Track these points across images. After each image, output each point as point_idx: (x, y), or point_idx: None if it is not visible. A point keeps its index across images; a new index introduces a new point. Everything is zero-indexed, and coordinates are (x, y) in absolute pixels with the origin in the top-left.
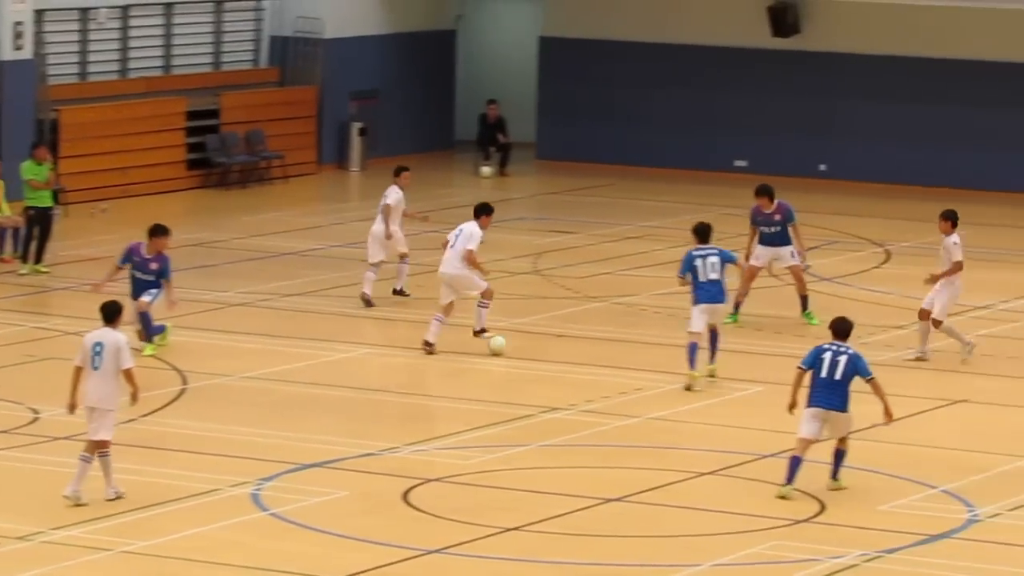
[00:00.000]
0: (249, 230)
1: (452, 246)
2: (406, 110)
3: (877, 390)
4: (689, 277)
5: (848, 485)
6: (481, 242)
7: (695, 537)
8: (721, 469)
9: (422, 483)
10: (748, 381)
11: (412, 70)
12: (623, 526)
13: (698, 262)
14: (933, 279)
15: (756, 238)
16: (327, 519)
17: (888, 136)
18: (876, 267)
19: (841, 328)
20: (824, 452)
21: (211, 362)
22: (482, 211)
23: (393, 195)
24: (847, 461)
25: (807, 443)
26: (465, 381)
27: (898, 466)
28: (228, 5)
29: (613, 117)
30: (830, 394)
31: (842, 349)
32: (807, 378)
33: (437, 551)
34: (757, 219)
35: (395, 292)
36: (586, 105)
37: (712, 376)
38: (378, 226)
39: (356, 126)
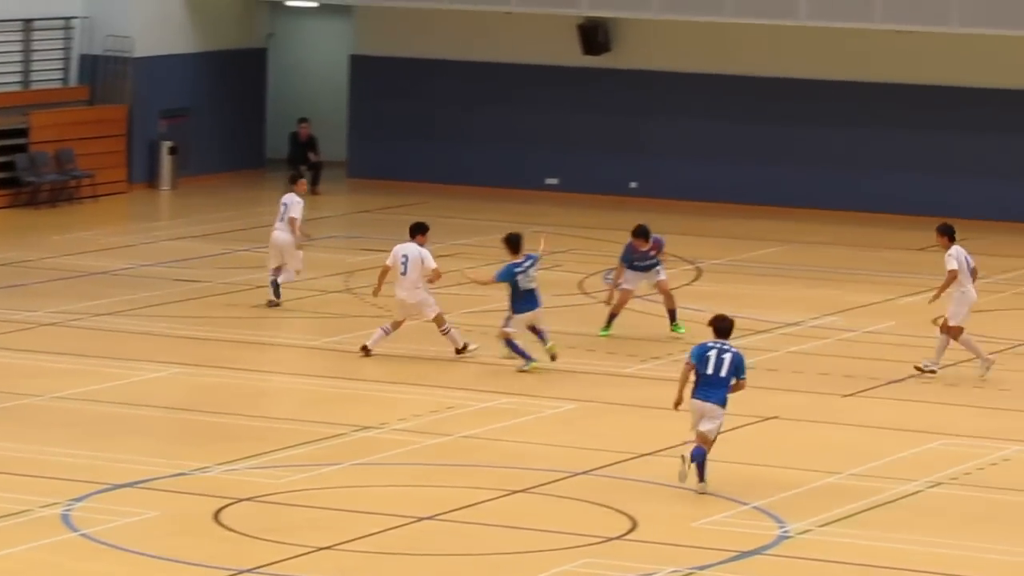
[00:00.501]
0: (59, 249)
1: (404, 273)
2: (217, 129)
3: (741, 389)
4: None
5: (709, 484)
6: None
7: (507, 555)
8: (534, 487)
9: (234, 503)
10: (560, 399)
11: (223, 88)
12: (436, 545)
13: (520, 277)
14: (936, 296)
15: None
16: (138, 539)
17: (699, 154)
18: (687, 284)
19: (722, 327)
20: (644, 469)
21: (21, 382)
22: (418, 230)
23: (296, 205)
24: (658, 477)
25: (705, 435)
26: (276, 400)
27: (710, 483)
28: (37, 24)
29: (425, 135)
30: (713, 390)
31: (726, 347)
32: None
33: (249, 571)
34: (632, 258)
35: (273, 297)
36: (398, 123)
37: (553, 357)
38: (284, 235)
39: (166, 145)
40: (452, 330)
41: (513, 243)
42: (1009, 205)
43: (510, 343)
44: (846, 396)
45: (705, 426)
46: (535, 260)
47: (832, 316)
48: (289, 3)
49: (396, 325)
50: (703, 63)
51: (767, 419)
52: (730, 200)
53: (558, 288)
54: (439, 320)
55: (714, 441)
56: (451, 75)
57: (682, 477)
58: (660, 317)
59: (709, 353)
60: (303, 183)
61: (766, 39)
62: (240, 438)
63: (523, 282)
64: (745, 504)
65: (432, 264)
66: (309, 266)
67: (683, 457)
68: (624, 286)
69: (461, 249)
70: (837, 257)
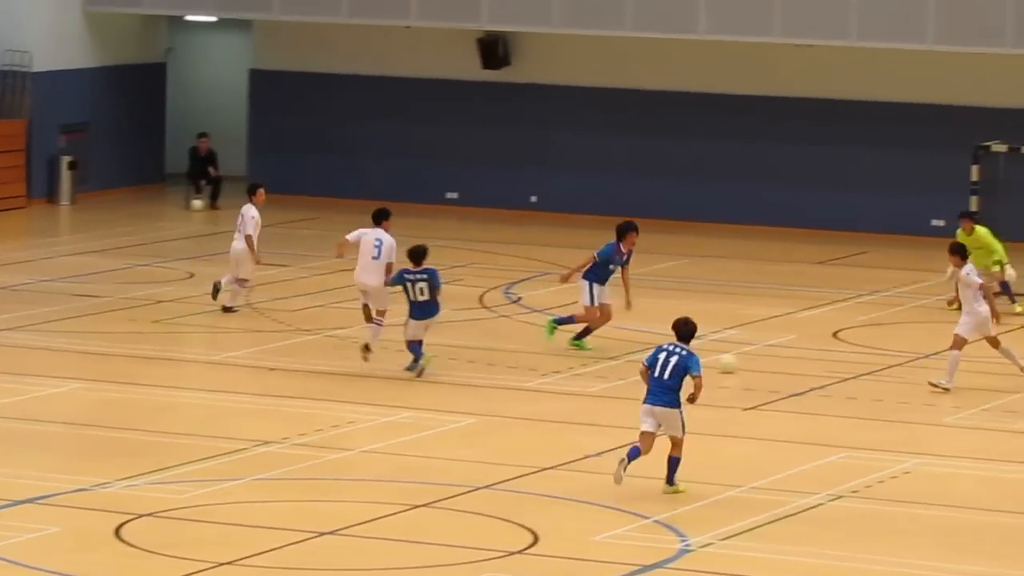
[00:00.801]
0: None
1: (376, 257)
2: (116, 143)
3: (697, 388)
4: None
5: (685, 489)
6: None
7: (408, 570)
8: (435, 501)
9: (135, 518)
10: (461, 413)
11: (122, 103)
12: (337, 559)
13: (408, 285)
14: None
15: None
16: (39, 556)
17: (600, 168)
18: None
19: (682, 330)
20: (546, 484)
21: None
22: (383, 216)
23: (252, 220)
24: (560, 491)
25: (649, 437)
26: (177, 415)
27: (612, 497)
28: None
29: (325, 150)
30: (660, 392)
31: (677, 350)
32: None
33: None
34: (615, 259)
35: (226, 304)
36: (297, 138)
37: (420, 372)
38: (240, 245)
39: (66, 160)
40: (380, 330)
41: (414, 255)
42: (907, 218)
43: (411, 345)
44: (747, 410)
45: (649, 427)
46: (433, 275)
47: (732, 330)
48: (188, 18)
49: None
50: (604, 77)
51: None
52: (630, 214)
53: (458, 302)
54: (383, 313)
55: (681, 441)
56: (351, 89)
57: (617, 479)
58: (560, 331)
59: (659, 356)
60: (262, 194)
61: (666, 53)
62: (141, 453)
63: (412, 292)
64: (647, 518)
65: (392, 259)
66: (208, 281)
67: (621, 460)
68: (605, 301)
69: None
70: (737, 271)
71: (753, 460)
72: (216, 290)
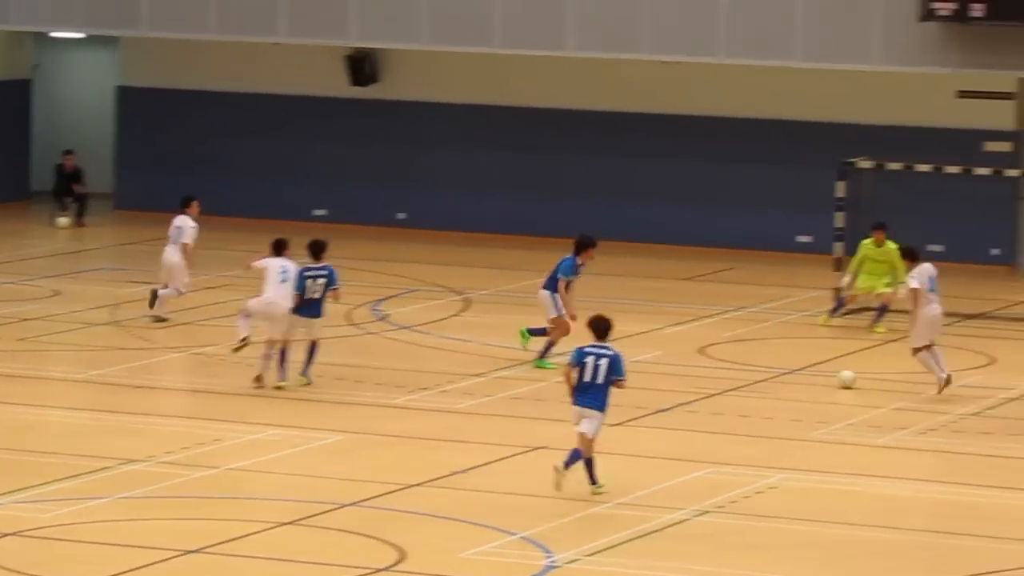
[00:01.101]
0: None
1: (284, 281)
2: None
3: (619, 388)
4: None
5: (605, 486)
6: None
7: None
8: (301, 519)
9: None
10: (328, 430)
11: None
12: None
13: (308, 281)
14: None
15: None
16: None
17: (467, 185)
18: (455, 315)
19: (599, 328)
20: (413, 501)
21: None
22: (284, 245)
23: (191, 230)
24: (427, 508)
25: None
26: (41, 433)
27: (478, 513)
28: None
29: (193, 167)
30: (590, 395)
31: (603, 352)
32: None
33: None
34: (578, 271)
35: (157, 314)
36: (165, 155)
37: (307, 384)
38: (173, 255)
39: None
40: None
41: (315, 249)
42: (773, 234)
43: (283, 352)
44: (614, 425)
45: (584, 427)
46: (332, 274)
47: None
48: (54, 34)
49: (272, 343)
50: (472, 94)
51: (535, 449)
52: (498, 231)
53: (326, 319)
54: (285, 343)
55: (592, 441)
56: (219, 106)
57: (557, 486)
58: (435, 350)
59: (587, 359)
60: (196, 205)
61: (535, 70)
62: (4, 472)
63: (310, 288)
64: (513, 534)
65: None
66: (74, 298)
67: (556, 467)
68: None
69: (229, 280)
70: (604, 287)
71: (619, 476)
72: (154, 298)
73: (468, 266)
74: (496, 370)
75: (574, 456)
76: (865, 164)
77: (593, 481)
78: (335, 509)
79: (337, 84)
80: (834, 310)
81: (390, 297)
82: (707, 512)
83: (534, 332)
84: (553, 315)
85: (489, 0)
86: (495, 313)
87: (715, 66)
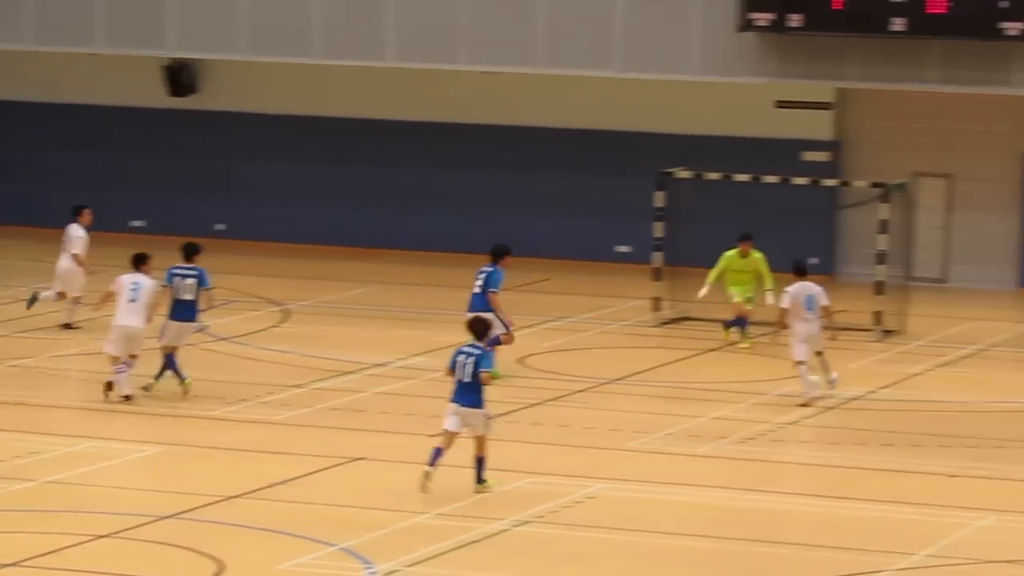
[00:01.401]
0: None
1: (133, 300)
2: None
3: (484, 382)
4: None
5: (494, 484)
6: None
7: None
8: (119, 531)
9: None
10: (146, 442)
11: None
12: None
13: (176, 280)
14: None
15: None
16: None
17: (285, 195)
18: (274, 326)
19: (474, 328)
20: (231, 513)
21: None
22: (142, 260)
23: (79, 240)
24: (245, 520)
25: (450, 435)
26: None
27: (298, 525)
28: None
29: (6, 178)
30: (463, 393)
31: (472, 352)
32: None
33: None
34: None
35: (65, 326)
36: None
37: (186, 391)
38: (66, 263)
39: None
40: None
41: (187, 251)
42: (591, 245)
43: (169, 359)
44: (432, 436)
45: (452, 425)
46: (202, 274)
47: (418, 356)
48: None
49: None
50: (290, 105)
51: (353, 460)
52: (318, 241)
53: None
54: (135, 357)
55: (485, 439)
56: (34, 117)
57: (424, 489)
58: (254, 362)
59: (458, 359)
60: (87, 214)
61: (354, 81)
62: None
63: (179, 289)
64: (333, 545)
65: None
66: None
67: (426, 472)
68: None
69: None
70: (422, 297)
71: (440, 486)
72: (33, 299)
73: (287, 277)
74: (315, 381)
75: (436, 453)
76: (684, 174)
77: (480, 480)
78: (153, 521)
79: (155, 95)
80: (731, 324)
81: (209, 308)
82: (528, 522)
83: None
84: (501, 331)
85: (307, 11)
86: (314, 324)
87: (534, 76)
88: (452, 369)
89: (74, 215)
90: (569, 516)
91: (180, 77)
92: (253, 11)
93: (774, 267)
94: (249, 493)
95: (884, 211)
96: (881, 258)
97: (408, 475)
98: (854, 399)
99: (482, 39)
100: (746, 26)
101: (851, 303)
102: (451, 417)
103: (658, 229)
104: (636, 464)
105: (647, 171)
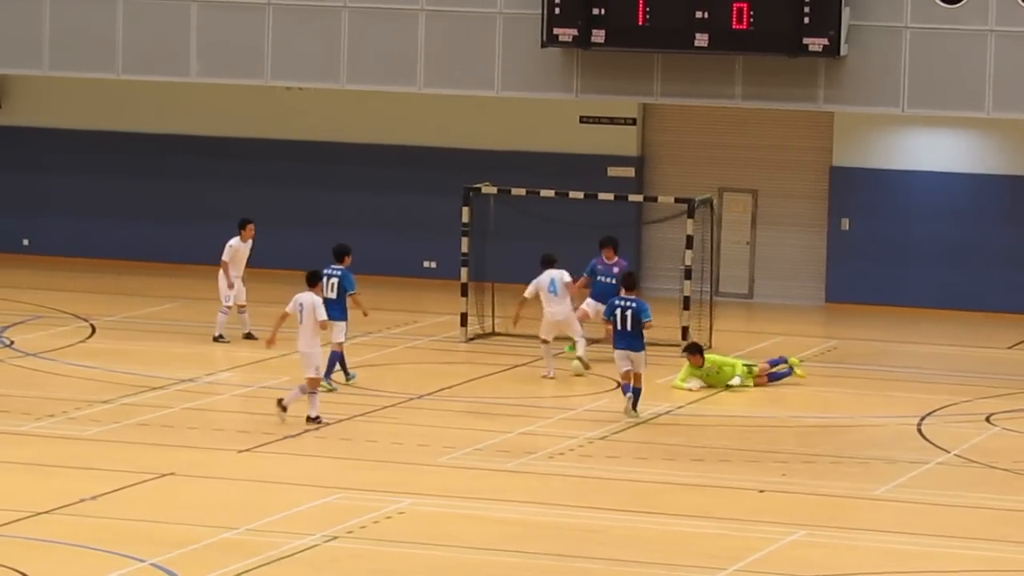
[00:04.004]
0: None
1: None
2: None
3: (647, 331)
4: None
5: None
6: None
7: None
8: None
9: None
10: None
11: None
12: None
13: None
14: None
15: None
16: None
17: (92, 211)
18: (81, 341)
19: (628, 282)
20: (38, 528)
21: None
22: (316, 279)
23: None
24: (67, 537)
25: (627, 373)
26: None
27: (107, 540)
28: None
29: None
30: (627, 339)
31: (628, 303)
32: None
33: None
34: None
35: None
36: None
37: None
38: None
39: None
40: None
41: (337, 252)
42: (399, 260)
43: (334, 355)
44: (241, 451)
45: (625, 367)
46: (344, 275)
47: (227, 372)
48: None
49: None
50: (96, 120)
51: (162, 475)
52: (123, 256)
53: None
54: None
55: (640, 376)
56: None
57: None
58: (61, 377)
59: (616, 310)
60: (250, 229)
61: (159, 96)
62: None
63: (325, 289)
64: (142, 561)
65: (323, 314)
66: None
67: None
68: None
69: None
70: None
71: (248, 502)
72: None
73: (93, 292)
74: (123, 397)
75: (627, 388)
76: (489, 190)
77: (634, 407)
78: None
79: None
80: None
81: (15, 324)
82: (337, 537)
83: None
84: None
85: (112, 27)
86: (121, 340)
87: (339, 92)
88: (609, 319)
89: (239, 229)
90: (378, 531)
91: None
92: (56, 27)
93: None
94: (57, 509)
95: (690, 226)
96: (687, 273)
97: (217, 491)
98: (662, 414)
99: (287, 55)
100: (550, 41)
101: (658, 318)
102: (622, 361)
103: (464, 244)
104: (445, 479)
105: (453, 187)
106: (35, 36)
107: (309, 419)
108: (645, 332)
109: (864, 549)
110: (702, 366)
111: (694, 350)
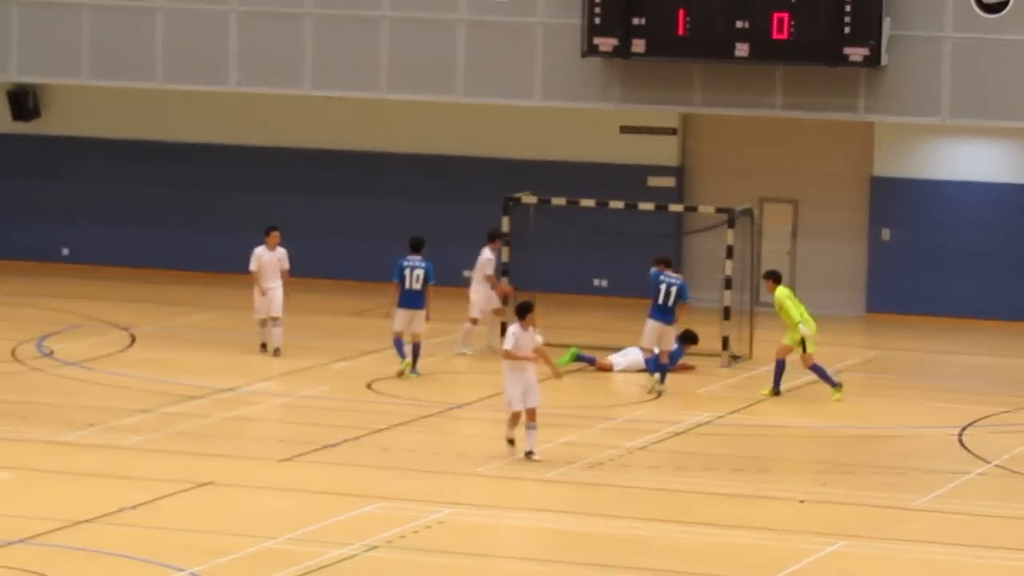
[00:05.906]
0: None
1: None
2: None
3: (685, 313)
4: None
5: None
6: None
7: None
8: None
9: None
10: None
11: None
12: None
13: (406, 271)
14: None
15: None
16: None
17: (131, 220)
18: (121, 351)
19: (664, 258)
20: (79, 538)
21: None
22: (421, 244)
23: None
24: (93, 544)
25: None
26: None
27: (147, 550)
28: None
29: None
30: (664, 313)
31: (675, 281)
32: None
33: None
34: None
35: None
36: None
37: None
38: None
39: None
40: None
41: (414, 244)
42: (440, 270)
43: (398, 343)
44: (281, 461)
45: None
46: (427, 267)
47: (267, 382)
48: None
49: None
50: (134, 129)
51: (202, 485)
52: (162, 266)
53: None
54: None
55: (666, 352)
56: None
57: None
58: (94, 384)
59: (660, 285)
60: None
61: (198, 106)
62: None
63: (409, 279)
64: (182, 570)
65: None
66: None
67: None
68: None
69: None
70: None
71: (288, 512)
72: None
73: (133, 302)
74: (163, 406)
75: (654, 363)
76: (529, 199)
77: (662, 380)
78: (1, 547)
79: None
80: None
81: (55, 333)
82: (376, 547)
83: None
84: None
85: (152, 37)
86: (161, 349)
87: (379, 101)
88: (655, 291)
89: (489, 241)
90: (417, 541)
91: (24, 102)
92: (95, 37)
93: (620, 293)
94: (97, 518)
95: (730, 236)
96: (728, 283)
97: (257, 500)
98: (703, 424)
99: (326, 65)
100: (590, 51)
101: (699, 328)
102: (652, 334)
103: (504, 254)
104: (484, 489)
105: (493, 196)
106: (74, 46)
107: (527, 454)
108: (679, 313)
109: (904, 560)
110: (772, 292)
111: (771, 276)
